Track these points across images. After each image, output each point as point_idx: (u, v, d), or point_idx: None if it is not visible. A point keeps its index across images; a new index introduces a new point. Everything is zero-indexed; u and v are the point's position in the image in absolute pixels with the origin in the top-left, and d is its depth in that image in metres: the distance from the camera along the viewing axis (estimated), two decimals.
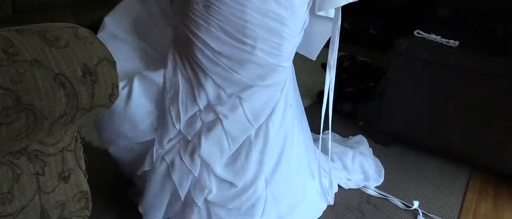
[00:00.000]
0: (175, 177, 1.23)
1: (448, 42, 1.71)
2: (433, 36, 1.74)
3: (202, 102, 1.24)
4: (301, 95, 1.59)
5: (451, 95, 1.70)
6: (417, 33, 1.79)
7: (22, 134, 0.71)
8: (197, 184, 1.24)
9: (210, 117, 1.25)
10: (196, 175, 1.23)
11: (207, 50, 1.19)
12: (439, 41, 1.72)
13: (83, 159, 1.00)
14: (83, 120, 0.84)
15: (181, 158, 1.23)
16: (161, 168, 1.25)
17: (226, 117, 1.23)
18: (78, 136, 0.96)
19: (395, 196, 1.61)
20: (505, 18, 2.78)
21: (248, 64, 1.21)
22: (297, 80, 1.54)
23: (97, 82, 0.80)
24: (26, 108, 0.70)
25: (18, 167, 0.83)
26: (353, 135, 2.03)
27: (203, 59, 1.20)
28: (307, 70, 2.79)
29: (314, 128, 1.78)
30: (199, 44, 1.19)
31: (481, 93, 1.63)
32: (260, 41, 1.18)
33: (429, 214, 1.54)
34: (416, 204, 1.56)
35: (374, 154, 1.88)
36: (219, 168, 1.25)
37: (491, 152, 1.69)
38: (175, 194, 1.26)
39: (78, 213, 1.01)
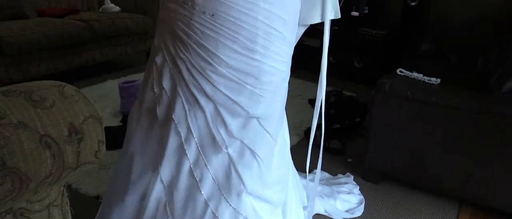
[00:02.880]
0: None
1: (430, 80, 1.75)
2: (415, 74, 1.78)
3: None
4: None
5: (435, 132, 1.72)
6: (400, 71, 1.83)
7: (7, 197, 0.71)
8: None
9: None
10: None
11: (216, 63, 1.12)
12: (421, 79, 1.76)
13: (69, 212, 0.99)
14: (69, 178, 0.84)
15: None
16: None
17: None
18: (64, 190, 0.95)
19: None
20: (485, 51, 2.87)
21: (260, 74, 1.16)
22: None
23: (83, 141, 0.81)
24: (12, 172, 0.70)
25: None
26: (343, 173, 2.05)
27: (213, 75, 1.13)
28: (294, 107, 2.82)
29: (302, 167, 1.79)
30: (206, 57, 1.12)
31: (464, 129, 1.66)
32: (269, 48, 1.14)
33: None
34: None
35: (363, 191, 1.88)
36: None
37: (478, 187, 1.71)
38: None
39: None
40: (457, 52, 2.92)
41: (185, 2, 1.10)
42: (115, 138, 2.12)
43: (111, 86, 3.09)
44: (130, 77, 3.33)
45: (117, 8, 3.57)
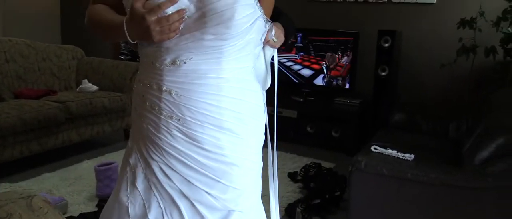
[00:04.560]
0: None
1: (404, 156, 1.78)
2: (389, 151, 1.82)
3: None
4: (267, 210, 1.56)
5: (413, 208, 1.73)
6: (374, 148, 1.87)
7: None
8: None
9: None
10: None
11: (189, 161, 1.13)
12: (396, 156, 1.79)
13: None
14: None
15: None
16: None
17: None
18: None
19: None
20: (456, 118, 2.97)
21: (233, 169, 1.17)
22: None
23: None
24: None
25: None
26: None
27: (187, 171, 1.13)
28: None
29: None
30: (179, 156, 1.13)
31: (441, 205, 1.67)
32: (237, 144, 1.16)
33: None
34: None
35: None
36: None
37: None
38: None
39: None
40: (428, 119, 3.02)
41: (152, 108, 1.13)
42: None
43: (87, 168, 3.03)
44: (107, 157, 3.29)
45: (95, 88, 3.59)
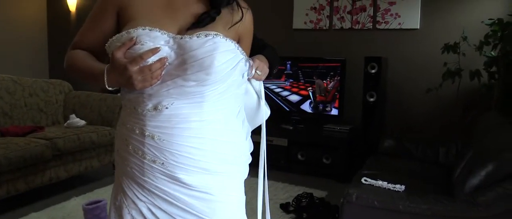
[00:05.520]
0: None
1: (394, 187, 1.78)
2: (380, 183, 1.81)
3: None
4: None
5: None
6: (365, 180, 1.86)
7: None
8: None
9: None
10: None
11: (175, 200, 1.14)
12: (386, 187, 1.78)
13: None
14: None
15: None
16: None
17: None
18: None
19: None
20: (445, 142, 2.98)
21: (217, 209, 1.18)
22: None
23: None
24: None
25: None
26: None
27: (174, 210, 1.14)
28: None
29: None
30: (167, 197, 1.13)
31: None
32: (221, 181, 1.18)
33: None
34: None
35: None
36: None
37: None
38: None
39: None
40: (418, 144, 3.03)
41: (136, 152, 1.12)
42: None
43: (75, 205, 2.96)
44: (96, 192, 3.23)
45: (83, 122, 3.55)
